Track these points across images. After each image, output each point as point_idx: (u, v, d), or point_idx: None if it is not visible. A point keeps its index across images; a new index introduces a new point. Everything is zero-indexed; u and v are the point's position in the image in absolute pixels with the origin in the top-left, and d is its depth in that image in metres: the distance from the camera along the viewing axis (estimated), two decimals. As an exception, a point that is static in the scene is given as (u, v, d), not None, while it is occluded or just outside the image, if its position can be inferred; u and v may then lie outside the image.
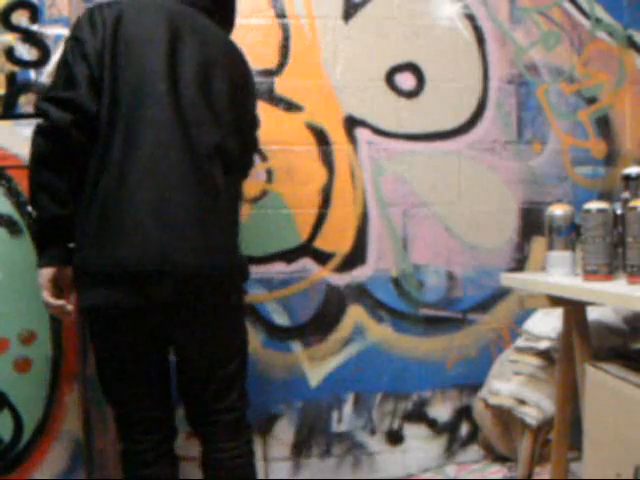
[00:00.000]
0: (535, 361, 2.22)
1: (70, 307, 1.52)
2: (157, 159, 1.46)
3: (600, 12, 2.54)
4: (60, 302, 1.49)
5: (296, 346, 2.37)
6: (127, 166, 1.44)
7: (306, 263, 2.36)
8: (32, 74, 1.70)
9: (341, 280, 2.39)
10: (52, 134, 1.43)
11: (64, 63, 1.48)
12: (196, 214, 1.48)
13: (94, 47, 1.47)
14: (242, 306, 1.67)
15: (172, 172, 1.47)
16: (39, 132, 1.44)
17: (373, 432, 2.43)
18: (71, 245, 1.50)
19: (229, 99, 1.60)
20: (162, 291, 1.45)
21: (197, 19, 1.61)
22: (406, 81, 2.43)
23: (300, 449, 2.37)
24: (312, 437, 2.38)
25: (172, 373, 1.65)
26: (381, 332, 2.42)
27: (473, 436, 2.47)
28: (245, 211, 2.29)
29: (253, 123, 1.78)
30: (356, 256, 2.40)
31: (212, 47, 1.59)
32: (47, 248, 1.49)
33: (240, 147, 1.64)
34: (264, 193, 2.34)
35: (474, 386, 2.44)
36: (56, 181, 1.44)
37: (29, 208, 1.56)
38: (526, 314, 2.36)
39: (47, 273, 1.47)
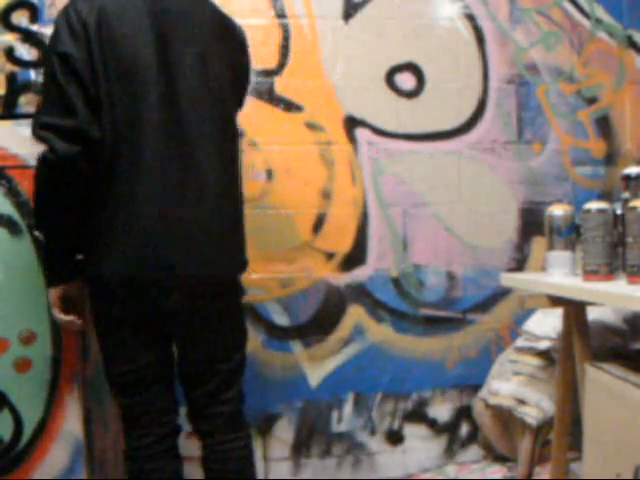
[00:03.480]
0: (535, 361, 2.22)
1: (79, 321, 1.60)
2: (160, 169, 1.48)
3: (600, 12, 2.54)
4: (69, 318, 1.58)
5: (296, 346, 2.37)
6: (134, 180, 1.47)
7: (306, 263, 2.36)
8: (32, 74, 1.71)
9: (341, 280, 2.39)
10: (59, 167, 1.42)
11: (54, 83, 1.43)
12: (203, 222, 1.52)
13: (82, 60, 1.42)
14: (241, 303, 1.70)
15: (175, 182, 1.49)
16: (45, 164, 1.43)
17: (373, 432, 2.42)
18: (79, 257, 1.55)
19: (230, 82, 1.61)
20: (171, 301, 1.52)
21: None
22: (406, 81, 2.43)
23: (300, 449, 2.37)
24: (312, 437, 2.38)
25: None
26: (381, 332, 2.41)
27: (473, 436, 2.47)
28: (245, 211, 2.28)
29: (246, 84, 1.80)
30: (356, 256, 2.40)
31: (202, 27, 1.56)
32: (55, 269, 1.55)
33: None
34: (264, 193, 2.34)
35: (474, 386, 2.44)
36: (62, 209, 1.47)
37: (36, 233, 1.61)
38: (526, 314, 2.36)
39: (56, 292, 1.55)
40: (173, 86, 1.50)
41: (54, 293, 1.56)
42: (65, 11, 1.48)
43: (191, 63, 1.52)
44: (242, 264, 1.67)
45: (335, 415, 2.40)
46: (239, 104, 1.76)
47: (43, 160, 1.43)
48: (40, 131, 1.43)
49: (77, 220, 1.50)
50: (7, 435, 1.71)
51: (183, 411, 1.68)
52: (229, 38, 1.65)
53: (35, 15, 1.70)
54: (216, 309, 1.59)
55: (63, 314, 1.57)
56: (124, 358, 1.56)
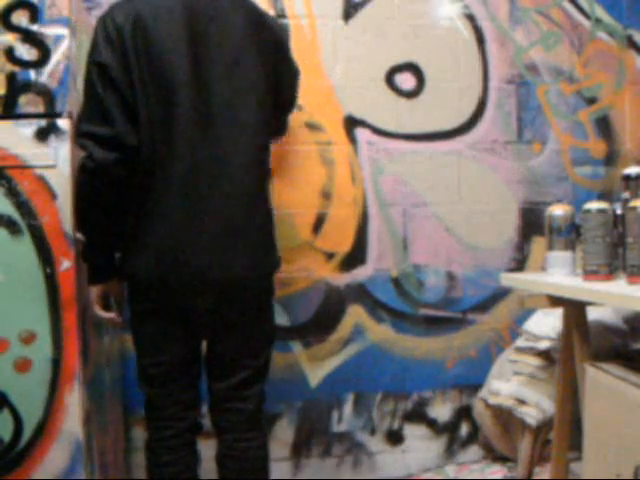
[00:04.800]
0: (535, 361, 2.22)
1: (119, 318, 1.69)
2: (191, 175, 1.53)
3: (600, 12, 2.54)
4: (110, 315, 1.68)
5: (296, 346, 2.37)
6: (167, 185, 1.53)
7: (306, 263, 2.36)
8: (32, 74, 1.70)
9: (341, 280, 2.39)
10: (97, 173, 1.50)
11: (93, 91, 1.50)
12: (232, 227, 1.56)
13: (119, 69, 1.48)
14: (271, 302, 1.74)
15: (206, 187, 1.54)
16: (84, 171, 1.52)
17: (373, 432, 2.43)
18: (117, 256, 1.64)
19: (266, 85, 1.62)
20: (201, 302, 1.59)
21: (218, 1, 1.59)
22: (406, 81, 2.43)
23: (300, 449, 2.37)
24: (312, 437, 2.38)
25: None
26: (381, 332, 2.42)
27: (473, 436, 2.47)
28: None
29: (292, 79, 1.80)
30: (356, 256, 2.40)
31: (235, 30, 1.58)
32: (95, 269, 1.64)
33: (276, 122, 1.75)
34: (264, 193, 2.33)
35: (474, 386, 2.44)
36: (102, 213, 1.56)
37: (78, 235, 1.67)
38: (526, 314, 2.36)
39: (96, 290, 1.64)
40: (205, 90, 1.53)
41: (94, 291, 1.64)
42: (102, 20, 1.54)
43: (223, 68, 1.55)
44: (271, 265, 1.69)
45: (335, 415, 2.40)
46: (282, 104, 1.76)
47: (82, 166, 1.52)
48: (80, 139, 1.52)
49: (116, 222, 1.58)
50: (7, 435, 1.71)
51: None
52: (265, 39, 1.65)
53: (35, 15, 1.70)
54: (245, 308, 1.64)
55: (103, 311, 1.66)
56: (154, 351, 1.64)
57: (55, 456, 1.72)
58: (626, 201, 1.69)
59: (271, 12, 2.34)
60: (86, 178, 1.53)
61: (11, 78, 1.70)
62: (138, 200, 1.56)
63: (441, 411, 2.46)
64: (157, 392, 1.67)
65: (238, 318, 1.64)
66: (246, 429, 1.68)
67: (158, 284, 1.57)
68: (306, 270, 2.36)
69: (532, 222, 2.49)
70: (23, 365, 1.71)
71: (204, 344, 1.72)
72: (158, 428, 1.68)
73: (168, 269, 1.54)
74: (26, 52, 1.71)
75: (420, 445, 2.45)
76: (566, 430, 1.99)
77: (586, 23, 2.54)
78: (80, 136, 1.53)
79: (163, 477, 1.67)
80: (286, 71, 1.74)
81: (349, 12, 2.40)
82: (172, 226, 1.53)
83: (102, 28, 1.52)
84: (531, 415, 2.14)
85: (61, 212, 1.70)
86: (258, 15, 1.67)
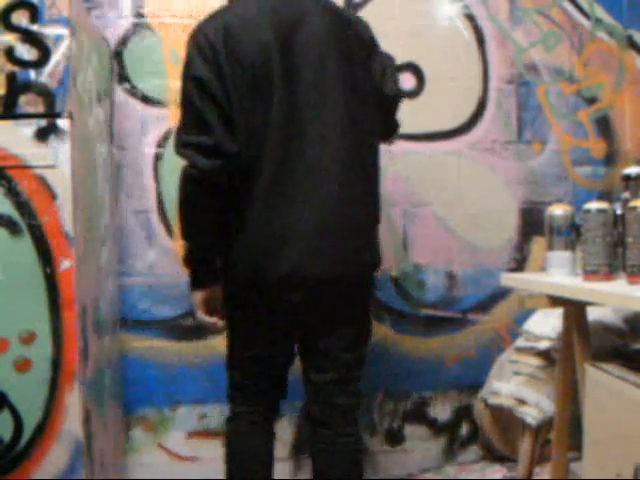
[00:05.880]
0: (535, 361, 2.22)
1: (222, 321, 1.74)
2: (280, 180, 1.58)
3: (600, 12, 2.54)
4: (213, 319, 1.73)
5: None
6: (258, 192, 1.58)
7: (306, 263, 2.36)
8: (32, 74, 1.70)
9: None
10: (201, 181, 1.55)
11: (192, 105, 1.56)
12: (323, 229, 1.59)
13: (215, 82, 1.54)
14: (369, 300, 1.77)
15: (294, 190, 1.59)
16: (188, 179, 1.57)
17: (373, 432, 2.42)
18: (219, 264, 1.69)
19: (358, 84, 1.65)
20: (294, 300, 1.62)
21: (301, 5, 1.63)
22: (406, 81, 2.43)
23: (300, 449, 2.37)
24: (312, 437, 2.38)
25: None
26: (381, 332, 2.41)
27: (473, 436, 2.47)
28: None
29: (385, 71, 1.78)
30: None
31: (320, 34, 1.62)
32: (199, 274, 1.68)
33: (379, 121, 1.74)
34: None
35: (474, 386, 2.44)
36: (206, 219, 1.62)
37: (185, 244, 1.70)
38: (526, 314, 2.35)
39: (200, 294, 1.69)
40: (294, 95, 1.57)
41: (199, 296, 1.69)
42: (194, 36, 1.60)
43: (311, 72, 1.59)
44: (364, 263, 1.69)
45: (335, 415, 2.39)
46: (381, 100, 1.75)
47: (186, 175, 1.57)
48: (182, 149, 1.57)
49: (218, 228, 1.63)
50: (7, 435, 1.71)
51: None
52: (351, 39, 1.68)
53: (35, 15, 1.70)
54: (340, 306, 1.66)
55: (207, 315, 1.71)
56: (247, 347, 1.70)
57: (55, 456, 1.72)
58: (626, 201, 1.69)
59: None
60: (190, 186, 1.58)
61: (11, 78, 1.70)
62: (235, 205, 1.61)
63: (441, 411, 2.46)
64: (241, 379, 1.74)
65: (334, 314, 1.66)
66: (341, 425, 1.71)
67: (253, 283, 1.62)
68: (306, 270, 2.36)
69: (532, 222, 2.49)
70: (23, 365, 1.71)
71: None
72: (240, 402, 1.75)
73: (262, 269, 1.59)
74: (26, 52, 1.71)
75: (420, 445, 2.45)
76: (566, 430, 1.98)
77: (586, 23, 2.54)
78: (182, 146, 1.58)
79: (239, 450, 1.74)
80: (378, 67, 1.76)
81: (349, 12, 2.40)
82: (264, 228, 1.59)
83: (195, 44, 1.59)
84: (531, 415, 2.14)
85: (61, 212, 1.70)
86: (343, 18, 1.71)
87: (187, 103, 1.58)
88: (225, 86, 1.55)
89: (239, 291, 1.67)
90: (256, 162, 1.57)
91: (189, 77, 1.58)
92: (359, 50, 1.69)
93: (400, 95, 1.84)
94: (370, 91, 1.70)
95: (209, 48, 1.56)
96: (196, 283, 1.69)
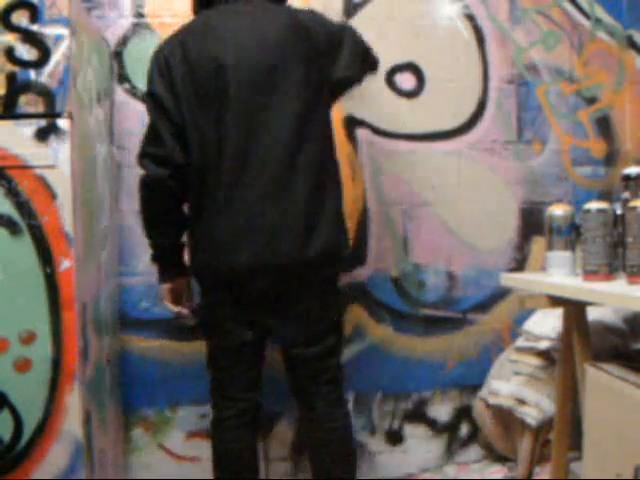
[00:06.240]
0: (535, 361, 2.22)
1: (186, 311, 1.92)
2: (237, 184, 1.69)
3: (600, 12, 2.54)
4: (178, 308, 1.91)
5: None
6: (217, 194, 1.70)
7: (306, 263, 2.36)
8: (32, 74, 1.70)
9: (341, 280, 2.38)
10: (153, 186, 1.75)
11: (150, 118, 1.74)
12: (285, 222, 1.69)
13: (168, 98, 1.69)
14: (337, 285, 1.89)
15: (256, 190, 1.69)
16: (143, 184, 1.77)
17: (373, 432, 2.43)
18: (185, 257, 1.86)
19: (314, 83, 1.73)
20: (255, 288, 1.74)
21: (253, 14, 1.74)
22: (406, 81, 2.43)
23: (300, 449, 2.37)
24: (312, 437, 2.38)
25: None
26: (381, 332, 2.42)
27: (473, 436, 2.48)
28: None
29: (356, 63, 1.85)
30: (356, 256, 2.40)
31: (276, 40, 1.70)
32: (164, 268, 1.87)
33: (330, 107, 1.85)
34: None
35: (474, 386, 2.44)
36: (162, 220, 1.81)
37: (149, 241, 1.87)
38: (526, 314, 2.35)
39: (166, 287, 1.88)
40: (247, 101, 1.68)
41: (165, 288, 1.88)
42: (155, 52, 1.76)
43: (265, 80, 1.69)
44: (327, 247, 1.73)
45: (335, 415, 2.39)
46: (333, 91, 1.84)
47: (142, 182, 1.77)
48: (140, 158, 1.76)
49: (176, 228, 1.82)
50: (7, 435, 1.71)
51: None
52: (307, 39, 1.73)
53: (35, 15, 1.70)
54: (303, 292, 1.77)
55: (172, 305, 1.89)
56: (221, 336, 1.82)
57: (55, 456, 1.72)
58: (626, 201, 1.69)
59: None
60: (144, 191, 1.77)
61: (11, 78, 1.70)
62: (195, 207, 1.76)
63: (441, 411, 2.46)
64: (220, 376, 1.84)
65: (297, 302, 1.77)
66: (327, 406, 1.83)
67: (218, 275, 1.75)
68: (306, 270, 2.36)
69: (532, 222, 2.49)
70: (23, 365, 1.71)
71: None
72: (220, 408, 1.85)
73: (225, 261, 1.70)
74: (26, 52, 1.71)
75: (420, 445, 2.45)
76: (566, 430, 1.99)
77: (586, 23, 2.54)
78: (140, 156, 1.76)
79: (225, 454, 1.84)
80: (345, 54, 1.80)
81: (349, 12, 2.40)
82: (226, 226, 1.70)
83: (154, 60, 1.74)
84: (531, 415, 2.14)
85: (61, 212, 1.70)
86: (296, 19, 1.76)
87: (148, 117, 1.75)
88: (178, 101, 1.69)
89: (208, 284, 1.81)
90: (212, 169, 1.70)
91: (148, 93, 1.75)
92: (315, 52, 1.74)
93: (358, 76, 1.91)
94: (326, 87, 1.78)
95: (165, 64, 1.70)
96: (162, 277, 1.87)
